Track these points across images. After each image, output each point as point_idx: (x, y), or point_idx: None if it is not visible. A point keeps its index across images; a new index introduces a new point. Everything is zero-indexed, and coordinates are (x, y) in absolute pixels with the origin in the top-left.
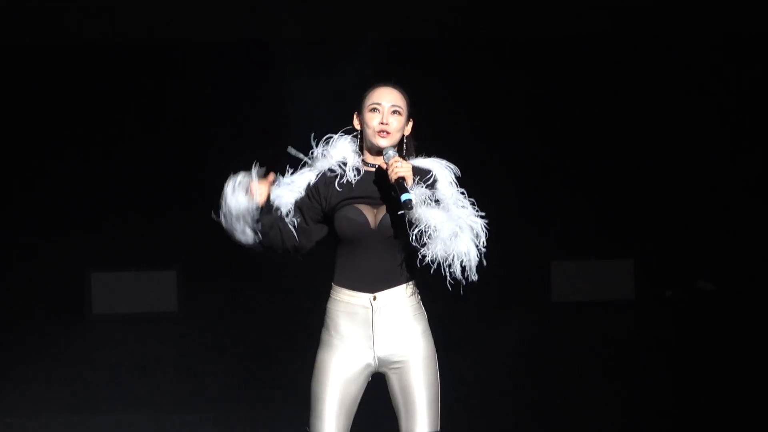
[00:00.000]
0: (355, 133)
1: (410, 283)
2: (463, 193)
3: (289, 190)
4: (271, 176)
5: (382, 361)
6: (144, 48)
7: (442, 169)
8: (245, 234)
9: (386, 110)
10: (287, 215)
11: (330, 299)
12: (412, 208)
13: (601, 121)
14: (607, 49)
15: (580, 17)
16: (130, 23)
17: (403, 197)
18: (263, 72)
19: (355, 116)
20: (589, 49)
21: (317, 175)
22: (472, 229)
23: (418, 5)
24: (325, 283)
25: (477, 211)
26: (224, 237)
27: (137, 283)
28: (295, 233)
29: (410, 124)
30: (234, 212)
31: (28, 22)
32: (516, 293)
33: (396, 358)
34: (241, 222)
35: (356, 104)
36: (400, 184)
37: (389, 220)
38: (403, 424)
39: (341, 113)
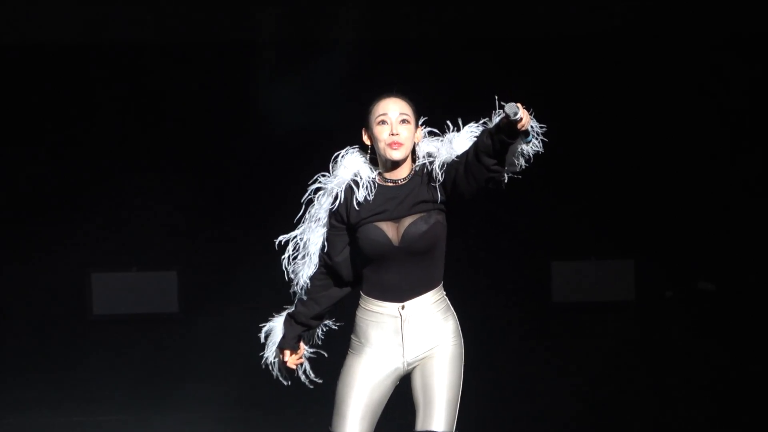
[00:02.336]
0: (353, 147)
1: (437, 287)
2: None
3: (317, 228)
4: (301, 352)
5: (410, 364)
6: (144, 48)
7: (441, 144)
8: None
9: (394, 121)
10: (324, 256)
11: (359, 307)
12: (530, 141)
13: (600, 121)
14: (607, 49)
15: (580, 17)
16: (130, 23)
17: (530, 139)
18: (264, 72)
19: (363, 133)
20: (589, 49)
21: (334, 198)
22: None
23: (418, 5)
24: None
25: None
26: (224, 238)
27: (138, 284)
28: (332, 284)
29: (420, 131)
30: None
31: (28, 22)
32: (516, 293)
33: (424, 354)
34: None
35: (362, 120)
36: (525, 133)
37: (412, 234)
38: (420, 418)
39: (346, 113)
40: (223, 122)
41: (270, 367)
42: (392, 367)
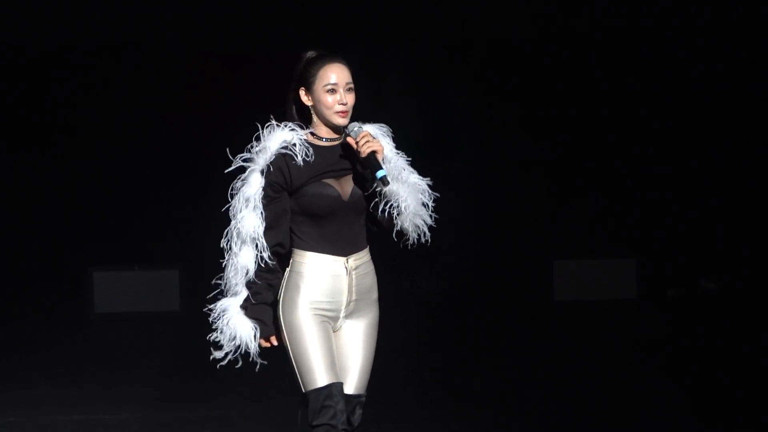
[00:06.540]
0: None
1: (368, 248)
2: (402, 155)
3: (249, 210)
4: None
5: (344, 318)
6: (146, 48)
7: (382, 136)
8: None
9: (342, 89)
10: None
11: (296, 263)
12: (388, 183)
13: (603, 121)
14: (608, 48)
15: (580, 17)
16: (132, 23)
17: (379, 174)
18: (265, 71)
19: (302, 92)
20: (590, 49)
21: (264, 172)
22: (424, 194)
23: (420, 5)
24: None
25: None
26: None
27: (139, 283)
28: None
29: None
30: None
31: (27, 22)
32: (518, 292)
33: (354, 317)
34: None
35: (301, 78)
36: (374, 159)
37: (359, 191)
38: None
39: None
40: (223, 121)
41: (255, 359)
42: (333, 317)
